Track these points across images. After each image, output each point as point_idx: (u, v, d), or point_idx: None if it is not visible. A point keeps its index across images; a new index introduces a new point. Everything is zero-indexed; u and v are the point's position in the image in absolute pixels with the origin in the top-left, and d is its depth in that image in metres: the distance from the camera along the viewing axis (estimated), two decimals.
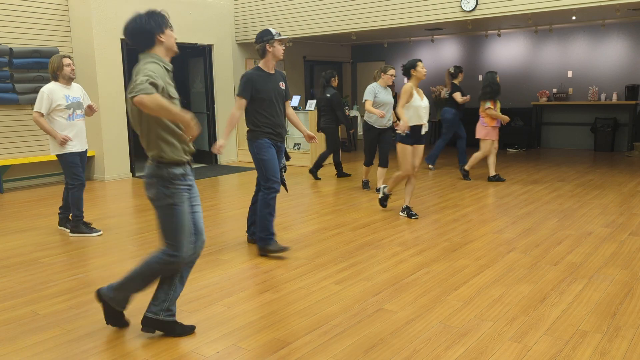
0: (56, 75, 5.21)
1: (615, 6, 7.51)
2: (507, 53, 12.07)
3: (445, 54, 13.04)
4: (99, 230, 5.48)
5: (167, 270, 3.03)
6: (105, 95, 8.74)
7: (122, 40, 8.90)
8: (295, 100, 10.18)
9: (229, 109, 10.69)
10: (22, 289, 3.94)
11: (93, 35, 8.55)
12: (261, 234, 4.56)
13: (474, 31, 11.64)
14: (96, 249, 4.94)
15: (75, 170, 5.29)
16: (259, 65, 4.58)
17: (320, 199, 6.92)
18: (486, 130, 7.64)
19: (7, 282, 4.10)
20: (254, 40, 4.61)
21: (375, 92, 6.85)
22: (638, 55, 10.69)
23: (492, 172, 7.87)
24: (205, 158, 10.72)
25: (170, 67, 3.00)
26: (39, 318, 3.41)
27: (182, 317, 3.37)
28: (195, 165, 10.46)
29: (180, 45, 10.09)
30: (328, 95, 8.14)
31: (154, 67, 2.83)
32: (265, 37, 4.48)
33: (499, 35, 11.51)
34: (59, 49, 8.60)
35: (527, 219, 5.66)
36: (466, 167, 8.02)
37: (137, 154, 9.51)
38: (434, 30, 11.15)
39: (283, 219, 5.88)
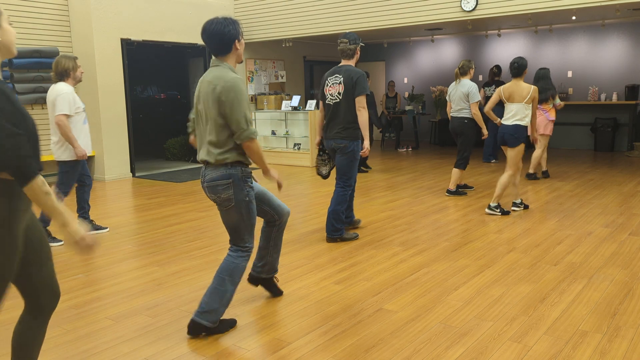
0: (67, 75, 5.03)
1: (615, 6, 7.51)
2: (507, 53, 12.07)
3: (445, 54, 13.04)
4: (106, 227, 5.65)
5: None
6: (106, 95, 8.74)
7: (122, 40, 8.91)
8: (295, 100, 10.18)
9: None
10: None
11: (93, 35, 8.55)
12: (338, 225, 4.94)
13: (474, 31, 11.64)
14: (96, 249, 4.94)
15: (85, 172, 5.38)
16: (353, 64, 4.92)
17: (320, 199, 6.92)
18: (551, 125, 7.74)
19: None
20: (345, 40, 4.88)
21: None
22: (638, 55, 10.69)
23: (544, 167, 8.06)
24: None
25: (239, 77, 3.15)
26: None
27: (182, 317, 3.37)
28: (195, 165, 10.47)
29: (180, 46, 10.16)
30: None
31: (243, 95, 2.92)
32: (357, 40, 4.87)
33: (499, 35, 11.51)
34: (59, 49, 8.60)
35: (527, 219, 5.66)
36: (532, 171, 7.91)
37: (137, 154, 9.52)
38: (434, 30, 11.15)
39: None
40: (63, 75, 5.04)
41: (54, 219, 1.99)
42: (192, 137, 3.33)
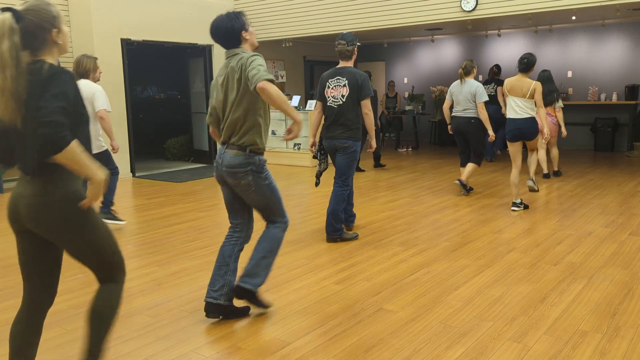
0: (86, 75, 5.17)
1: (615, 6, 7.51)
2: (507, 53, 12.07)
3: (445, 54, 13.04)
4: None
5: None
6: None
7: (122, 40, 8.91)
8: (295, 100, 10.18)
9: None
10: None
11: (93, 35, 8.55)
12: (337, 225, 4.93)
13: (474, 31, 11.64)
14: None
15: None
16: (352, 65, 4.97)
17: (320, 199, 6.92)
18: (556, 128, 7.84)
19: (7, 282, 4.10)
20: (342, 42, 4.90)
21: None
22: (638, 55, 10.69)
23: (546, 170, 7.98)
24: (205, 158, 10.72)
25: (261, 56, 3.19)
26: None
27: (182, 317, 3.37)
28: (195, 165, 10.47)
29: (180, 45, 10.14)
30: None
31: (262, 60, 2.98)
32: (355, 40, 4.89)
33: (499, 35, 11.51)
34: None
35: (527, 219, 5.66)
36: (556, 169, 8.01)
37: (137, 154, 9.50)
38: (434, 30, 11.15)
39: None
40: (83, 75, 5.19)
41: (84, 173, 2.06)
42: (211, 129, 3.34)
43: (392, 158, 10.66)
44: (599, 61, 11.08)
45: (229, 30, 3.06)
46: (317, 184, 5.42)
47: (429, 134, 13.29)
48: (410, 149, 11.86)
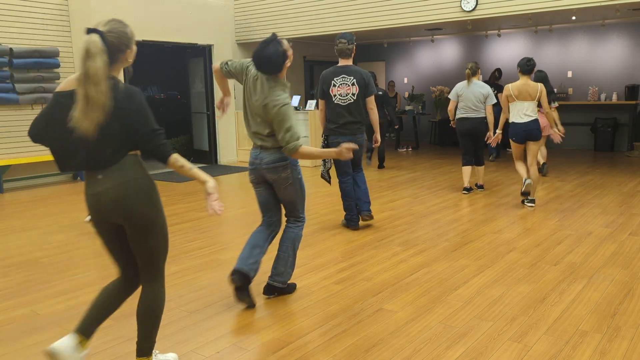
0: None
1: (615, 6, 7.52)
2: (507, 53, 12.07)
3: (445, 54, 13.04)
4: None
5: None
6: None
7: None
8: (295, 100, 10.18)
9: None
10: (22, 289, 3.94)
11: None
12: (366, 202, 5.35)
13: (474, 31, 11.64)
14: (96, 249, 4.94)
15: None
16: (351, 62, 5.16)
17: (320, 199, 6.92)
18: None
19: (7, 282, 4.10)
20: (343, 40, 5.06)
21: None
22: (638, 55, 10.69)
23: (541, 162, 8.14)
24: (205, 158, 10.72)
25: (288, 85, 3.36)
26: (39, 318, 3.41)
27: (182, 316, 3.37)
28: (195, 165, 10.45)
29: (180, 45, 10.13)
30: (380, 93, 8.81)
31: (289, 110, 3.19)
32: (354, 39, 5.07)
33: (499, 35, 11.51)
34: (59, 49, 8.60)
35: (527, 219, 5.66)
36: (543, 161, 8.15)
37: None
38: (434, 30, 11.15)
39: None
40: None
41: (197, 181, 2.41)
42: (215, 66, 3.53)
43: (392, 158, 10.66)
44: (599, 61, 11.09)
45: (275, 65, 3.18)
46: (330, 182, 5.49)
47: (429, 134, 13.30)
48: (410, 149, 11.86)
